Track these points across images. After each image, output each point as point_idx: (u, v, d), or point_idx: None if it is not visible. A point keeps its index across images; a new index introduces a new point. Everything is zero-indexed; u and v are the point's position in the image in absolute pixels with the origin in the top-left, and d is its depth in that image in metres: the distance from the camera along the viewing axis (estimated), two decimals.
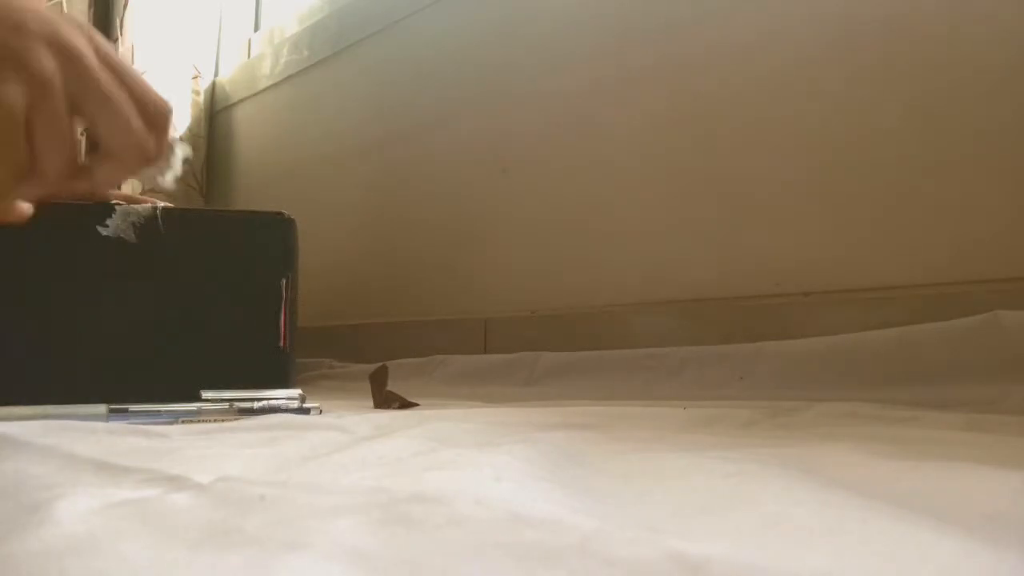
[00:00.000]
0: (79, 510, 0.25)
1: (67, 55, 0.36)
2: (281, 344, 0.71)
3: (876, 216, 0.75)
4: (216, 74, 1.78)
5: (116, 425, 0.51)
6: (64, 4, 1.63)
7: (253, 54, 1.73)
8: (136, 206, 0.65)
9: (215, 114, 1.76)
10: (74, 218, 0.63)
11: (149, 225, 0.61)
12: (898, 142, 0.74)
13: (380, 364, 0.81)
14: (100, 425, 0.51)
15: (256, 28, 1.80)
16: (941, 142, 0.71)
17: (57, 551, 0.21)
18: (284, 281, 0.72)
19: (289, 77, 1.56)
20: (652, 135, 0.93)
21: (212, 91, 1.77)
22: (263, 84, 1.62)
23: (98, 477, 0.33)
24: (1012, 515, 0.25)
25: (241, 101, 1.70)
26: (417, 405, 0.72)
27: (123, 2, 1.64)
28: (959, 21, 0.70)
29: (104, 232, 0.55)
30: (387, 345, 1.19)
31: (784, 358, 0.73)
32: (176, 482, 0.31)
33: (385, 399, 0.73)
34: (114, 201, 0.65)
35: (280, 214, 0.74)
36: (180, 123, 1.68)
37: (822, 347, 0.72)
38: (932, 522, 0.23)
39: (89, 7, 1.68)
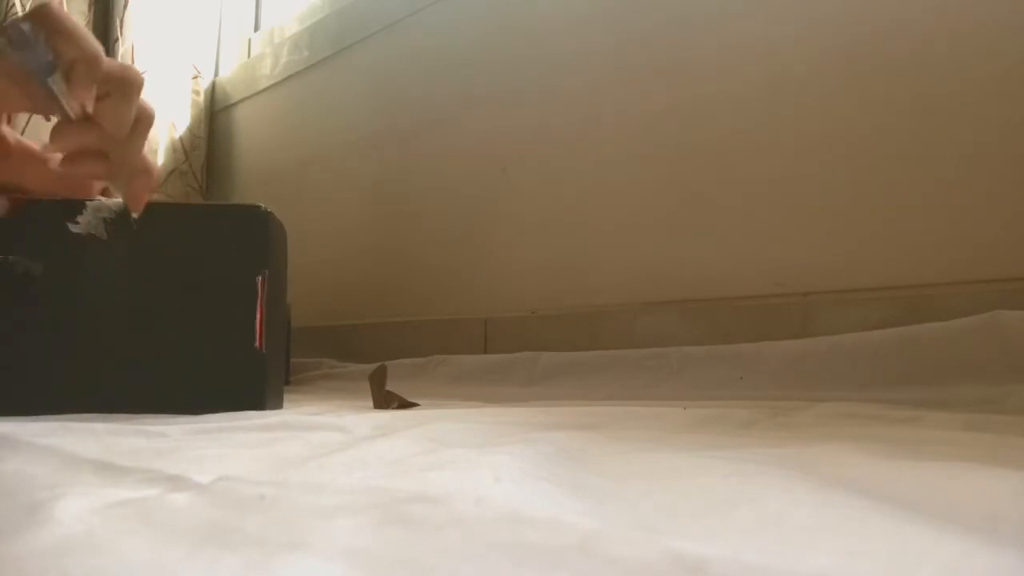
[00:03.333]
0: (79, 510, 0.25)
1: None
2: (257, 344, 0.68)
3: (876, 216, 0.75)
4: (216, 74, 1.78)
5: (116, 425, 0.51)
6: (64, 4, 1.63)
7: (253, 54, 1.73)
8: (107, 201, 0.63)
9: (215, 114, 1.77)
10: (45, 216, 0.62)
11: (120, 220, 0.58)
12: (898, 142, 0.74)
13: (379, 364, 0.81)
14: (100, 425, 0.51)
15: (256, 28, 1.80)
16: (941, 142, 0.71)
17: (57, 551, 0.21)
18: (260, 277, 0.69)
19: (289, 77, 1.56)
20: (652, 135, 0.93)
21: (212, 91, 1.76)
22: (263, 84, 1.62)
23: (98, 477, 0.33)
24: (1012, 515, 0.25)
25: (241, 101, 1.70)
26: (417, 405, 0.72)
27: (123, 2, 1.64)
28: (959, 23, 0.70)
29: (75, 229, 0.53)
30: (387, 345, 1.19)
31: (784, 358, 0.73)
32: (176, 482, 0.31)
33: (385, 399, 0.73)
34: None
35: (256, 207, 0.71)
36: (180, 123, 1.68)
37: (822, 347, 0.72)
38: (932, 522, 0.23)
39: (89, 7, 1.68)
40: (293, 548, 0.21)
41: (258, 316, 0.68)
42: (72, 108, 0.45)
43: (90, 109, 0.45)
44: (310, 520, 0.24)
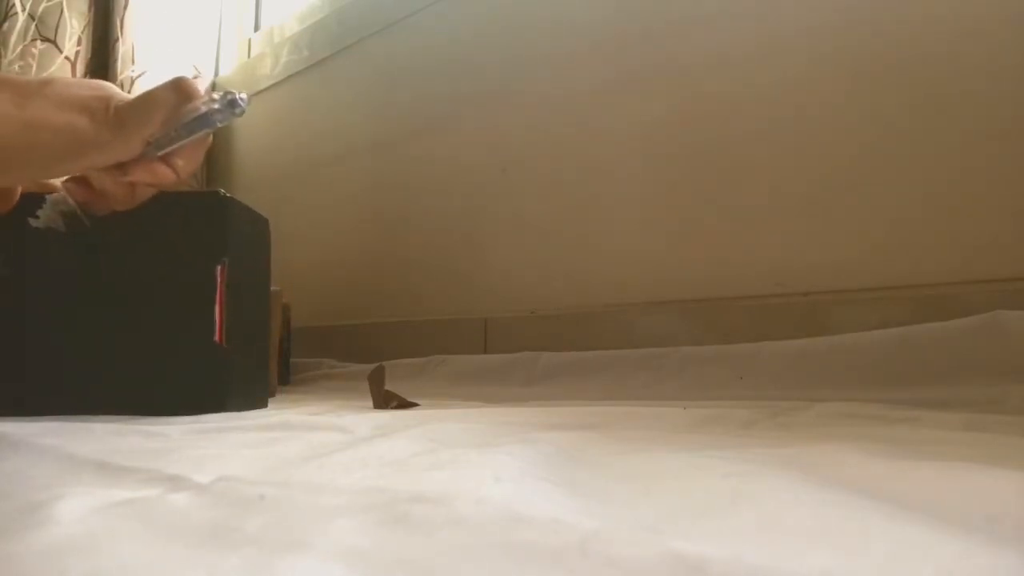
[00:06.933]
0: (79, 510, 0.25)
1: None
2: (216, 339, 0.65)
3: (876, 216, 0.75)
4: (216, 74, 1.78)
5: (116, 425, 0.51)
6: (64, 4, 1.63)
7: (253, 54, 1.73)
8: (65, 194, 0.62)
9: None
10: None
11: (78, 214, 0.58)
12: (898, 143, 0.74)
13: (377, 364, 0.81)
14: (100, 425, 0.51)
15: (256, 28, 1.80)
16: (941, 143, 0.71)
17: (57, 551, 0.21)
18: (219, 267, 0.66)
19: (289, 77, 1.56)
20: (652, 136, 0.93)
21: (212, 91, 1.76)
22: (263, 84, 1.62)
23: (98, 477, 0.33)
24: (1012, 515, 0.25)
25: None
26: (417, 405, 0.72)
27: (123, 2, 1.64)
28: (959, 26, 0.70)
29: (35, 224, 0.52)
30: (387, 345, 1.19)
31: (784, 358, 0.73)
32: (176, 482, 0.31)
33: (384, 399, 0.73)
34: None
35: (215, 192, 0.68)
36: None
37: (822, 347, 0.72)
38: (932, 522, 0.23)
39: (89, 7, 1.68)
40: (293, 548, 0.21)
41: (217, 308, 0.66)
42: (177, 167, 0.45)
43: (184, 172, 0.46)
44: (310, 520, 0.24)
